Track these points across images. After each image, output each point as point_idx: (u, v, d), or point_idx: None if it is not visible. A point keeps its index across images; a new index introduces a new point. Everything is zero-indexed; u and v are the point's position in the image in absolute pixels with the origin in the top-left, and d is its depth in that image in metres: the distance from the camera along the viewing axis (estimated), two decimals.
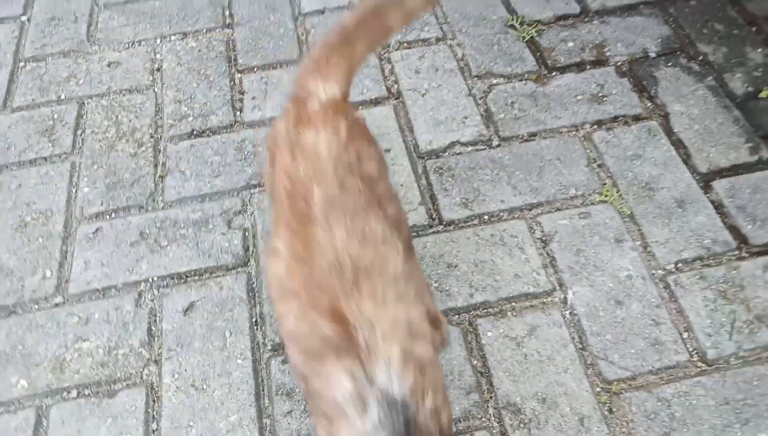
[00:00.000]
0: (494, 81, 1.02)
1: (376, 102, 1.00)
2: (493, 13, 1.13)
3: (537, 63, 1.04)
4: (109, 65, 1.09)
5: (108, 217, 0.88)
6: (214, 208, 0.88)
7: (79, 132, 0.99)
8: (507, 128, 0.96)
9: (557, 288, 0.79)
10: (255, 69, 1.06)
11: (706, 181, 0.88)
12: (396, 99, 1.01)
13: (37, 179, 0.92)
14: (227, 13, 1.16)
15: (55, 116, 1.01)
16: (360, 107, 0.99)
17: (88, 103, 1.03)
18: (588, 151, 0.92)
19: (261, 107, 1.01)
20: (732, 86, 0.98)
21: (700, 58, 1.03)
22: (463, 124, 0.97)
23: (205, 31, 1.13)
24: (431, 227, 0.85)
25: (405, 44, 1.09)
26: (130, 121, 1.00)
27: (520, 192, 0.88)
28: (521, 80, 1.02)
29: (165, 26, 1.14)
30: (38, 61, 1.10)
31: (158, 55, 1.10)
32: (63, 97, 1.04)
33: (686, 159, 0.90)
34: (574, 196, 0.87)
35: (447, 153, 0.94)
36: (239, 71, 1.06)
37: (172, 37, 1.13)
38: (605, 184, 0.88)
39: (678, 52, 1.04)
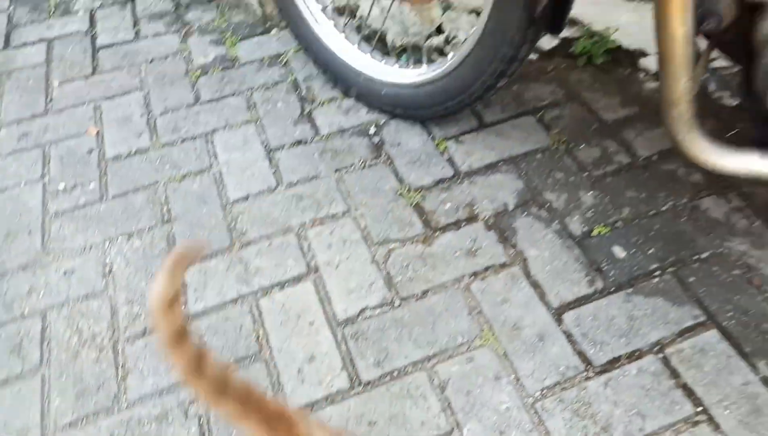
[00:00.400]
0: (392, 246, 1.27)
1: (298, 279, 1.22)
2: (386, 184, 1.39)
3: (423, 226, 1.30)
4: (65, 274, 1.26)
5: (80, 424, 1.03)
6: (171, 402, 1.05)
7: (45, 345, 1.15)
8: (405, 289, 1.19)
9: (455, 428, 1.00)
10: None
11: (558, 314, 1.13)
12: (315, 273, 1.23)
13: (11, 399, 1.07)
14: (165, 209, 1.37)
15: (22, 332, 1.17)
16: (285, 286, 1.21)
17: (50, 315, 1.19)
18: (468, 301, 1.17)
19: (202, 298, 1.20)
20: (572, 228, 1.27)
21: (547, 205, 1.31)
22: (370, 290, 1.20)
23: (147, 229, 1.34)
24: (353, 389, 1.06)
25: (318, 221, 1.33)
26: (90, 327, 1.17)
27: (420, 346, 1.11)
28: (412, 243, 1.27)
29: (111, 229, 1.34)
30: (0, 278, 1.26)
31: (108, 259, 1.29)
32: (26, 312, 1.20)
33: (542, 297, 1.16)
34: (461, 343, 1.11)
35: (360, 318, 1.16)
36: None
37: (119, 239, 1.32)
38: (483, 329, 1.12)
39: (530, 203, 1.32)
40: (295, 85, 1.63)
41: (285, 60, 1.70)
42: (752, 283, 1.15)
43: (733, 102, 1.11)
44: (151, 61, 1.74)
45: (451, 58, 1.27)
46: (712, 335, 1.08)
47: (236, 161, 1.46)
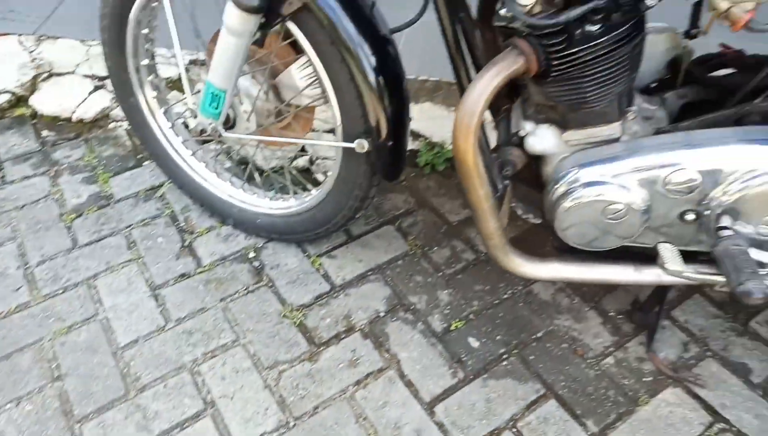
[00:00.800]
0: (281, 368, 1.41)
1: (197, 417, 1.32)
2: (270, 307, 1.53)
3: (308, 343, 1.46)
4: None
5: None
6: None
7: None
8: (297, 409, 1.33)
9: None
10: (91, 416, 1.31)
11: (430, 408, 1.33)
12: (212, 408, 1.33)
13: None
14: (54, 365, 1.40)
15: None
16: (185, 426, 1.29)
17: None
18: (354, 409, 1.33)
19: None
20: (434, 326, 1.49)
21: (411, 307, 1.53)
22: (266, 415, 1.32)
23: (37, 390, 1.36)
24: None
25: (209, 354, 1.43)
26: None
27: None
28: (299, 362, 1.42)
29: None
30: None
31: None
32: None
33: (416, 395, 1.36)
34: None
35: None
36: (78, 422, 1.30)
37: (8, 406, 1.33)
38: (370, 433, 1.29)
39: (397, 307, 1.53)
40: (174, 218, 1.74)
41: (161, 193, 1.81)
42: (577, 353, 1.43)
43: (537, 220, 1.41)
44: (22, 207, 1.76)
45: (314, 195, 1.47)
46: (551, 405, 1.34)
47: (122, 305, 1.53)
